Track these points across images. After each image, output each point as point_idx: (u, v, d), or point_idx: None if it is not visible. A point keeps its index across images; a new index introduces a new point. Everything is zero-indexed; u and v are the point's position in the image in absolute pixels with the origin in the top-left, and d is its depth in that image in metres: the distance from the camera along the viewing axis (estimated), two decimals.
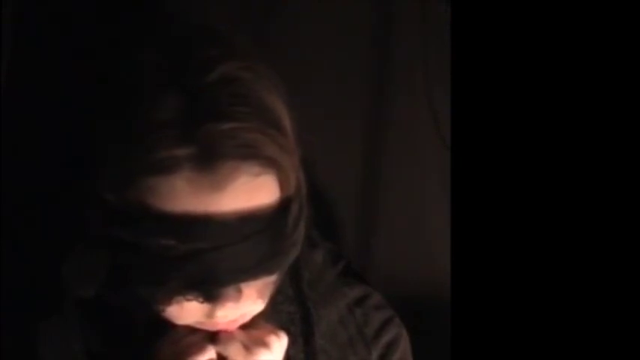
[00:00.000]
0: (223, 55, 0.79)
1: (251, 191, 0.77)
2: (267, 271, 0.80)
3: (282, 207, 0.80)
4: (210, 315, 0.80)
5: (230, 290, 0.78)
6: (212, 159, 0.75)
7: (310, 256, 0.92)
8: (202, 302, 0.79)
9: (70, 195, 0.85)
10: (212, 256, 0.76)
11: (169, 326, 0.83)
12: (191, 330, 0.83)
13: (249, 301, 0.82)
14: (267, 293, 0.84)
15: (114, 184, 0.77)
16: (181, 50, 0.80)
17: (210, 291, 0.78)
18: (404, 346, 0.97)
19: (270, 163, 0.78)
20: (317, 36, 1.11)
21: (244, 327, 0.84)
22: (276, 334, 0.84)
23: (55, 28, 1.05)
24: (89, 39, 1.03)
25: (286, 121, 0.80)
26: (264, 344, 0.83)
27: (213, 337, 0.83)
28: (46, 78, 1.04)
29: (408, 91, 1.14)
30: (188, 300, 0.79)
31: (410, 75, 1.13)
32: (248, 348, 0.83)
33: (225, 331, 0.83)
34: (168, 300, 0.79)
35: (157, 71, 0.78)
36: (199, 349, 0.82)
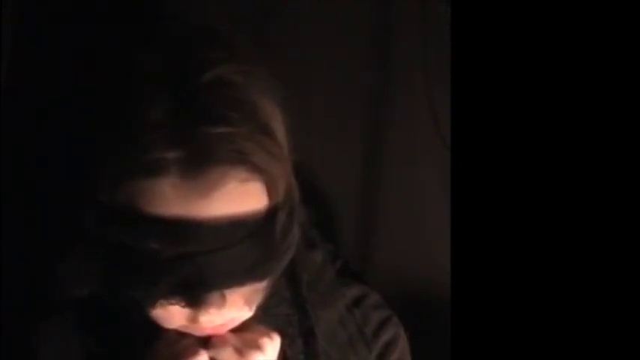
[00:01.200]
0: (220, 58, 0.78)
1: (239, 197, 0.77)
2: (255, 278, 0.80)
3: (270, 214, 0.79)
4: (193, 320, 0.80)
5: (213, 296, 0.77)
6: (201, 163, 0.75)
7: (309, 257, 0.92)
8: (184, 307, 0.78)
9: (69, 195, 0.85)
10: (198, 260, 0.76)
11: (162, 329, 0.83)
12: (185, 333, 0.83)
13: (234, 308, 0.81)
14: (255, 300, 0.83)
15: (106, 185, 0.77)
16: (178, 51, 0.79)
17: (193, 296, 0.77)
18: (402, 346, 0.97)
19: (257, 170, 0.77)
20: (317, 36, 1.11)
21: (236, 330, 0.84)
22: (268, 336, 0.84)
23: (54, 28, 1.05)
24: (89, 39, 1.03)
25: (279, 127, 0.80)
26: (257, 347, 0.82)
27: (206, 341, 0.83)
28: (46, 78, 1.04)
29: (408, 91, 1.14)
30: (171, 304, 0.78)
31: (410, 75, 1.13)
32: (241, 351, 0.82)
33: (218, 335, 0.83)
34: (153, 303, 0.79)
35: (152, 72, 0.78)
36: (192, 352, 0.82)
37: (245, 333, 0.84)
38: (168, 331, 0.83)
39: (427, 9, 1.12)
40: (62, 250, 0.84)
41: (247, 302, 0.82)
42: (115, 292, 0.79)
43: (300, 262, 0.88)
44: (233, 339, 0.83)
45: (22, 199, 1.04)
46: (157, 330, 0.83)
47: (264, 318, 0.86)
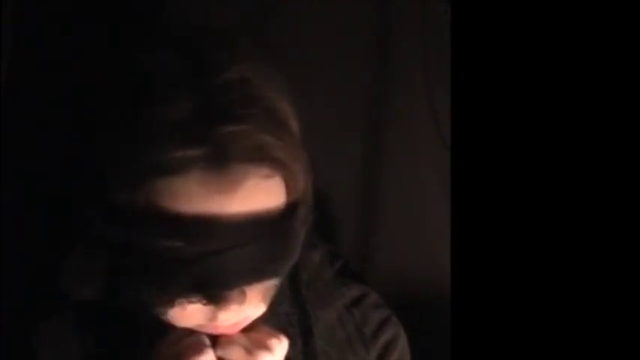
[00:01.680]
0: (235, 57, 0.79)
1: (260, 193, 0.77)
2: (273, 274, 0.80)
3: (290, 209, 0.80)
4: (213, 318, 0.80)
5: (234, 293, 0.78)
6: (223, 161, 0.75)
7: (308, 256, 0.92)
8: (206, 304, 0.79)
9: (70, 195, 0.85)
10: (219, 258, 0.76)
11: (169, 328, 0.83)
12: (190, 331, 0.83)
13: (252, 304, 0.82)
14: (269, 296, 0.83)
15: (125, 185, 0.77)
16: (194, 52, 0.79)
17: (215, 293, 0.77)
18: (402, 346, 0.97)
19: (279, 165, 0.78)
20: (317, 36, 1.11)
21: (244, 330, 0.84)
22: (277, 337, 0.84)
23: (55, 28, 1.05)
24: (90, 39, 1.03)
25: (294, 123, 0.80)
26: (266, 347, 0.83)
27: (213, 340, 0.83)
28: (47, 78, 1.04)
29: (408, 91, 1.14)
30: (191, 302, 0.78)
31: (410, 75, 1.13)
32: (250, 351, 0.82)
33: (226, 335, 0.83)
34: (171, 302, 0.79)
35: (170, 72, 0.78)
36: (199, 350, 0.82)
37: (253, 333, 0.84)
38: (174, 330, 0.83)
39: (427, 9, 1.12)
40: (63, 250, 0.84)
41: (263, 298, 0.83)
42: (120, 293, 0.79)
43: (299, 262, 0.88)
44: (241, 339, 0.83)
45: (23, 199, 1.04)
46: (161, 329, 0.83)
47: (269, 316, 0.86)
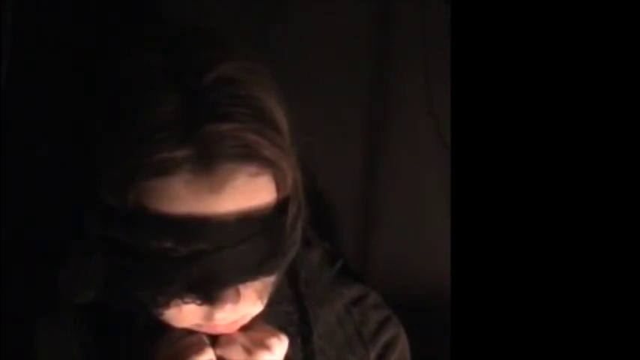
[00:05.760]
0: (222, 56, 0.79)
1: (250, 192, 0.77)
2: (267, 272, 0.80)
3: (281, 207, 0.80)
4: (209, 317, 0.80)
5: (229, 292, 0.78)
6: (211, 160, 0.75)
7: (306, 255, 0.92)
8: (201, 304, 0.79)
9: (71, 196, 0.85)
10: (212, 257, 0.76)
11: (168, 328, 0.83)
12: (189, 331, 0.83)
13: (249, 303, 0.82)
14: (266, 294, 0.84)
15: (113, 186, 0.77)
16: (180, 51, 0.80)
17: (209, 293, 0.78)
18: (402, 346, 0.97)
19: (268, 163, 0.78)
20: (317, 36, 1.11)
21: (244, 329, 0.84)
22: (277, 336, 0.84)
23: (55, 28, 1.05)
24: (89, 39, 1.03)
25: (283, 122, 0.80)
26: (266, 346, 0.83)
27: (213, 339, 0.83)
28: (46, 78, 1.04)
29: (408, 91, 1.14)
30: (186, 303, 0.78)
31: (410, 75, 1.13)
32: (249, 350, 0.83)
33: (226, 334, 0.83)
34: (167, 303, 0.79)
35: (157, 72, 0.78)
36: (198, 350, 0.82)
37: (253, 332, 0.84)
38: (173, 329, 0.83)
39: (427, 9, 1.11)
40: (63, 250, 0.84)
41: (260, 296, 0.83)
42: (123, 295, 0.79)
43: (298, 260, 0.88)
44: (241, 338, 0.83)
45: (23, 199, 1.04)
46: (160, 330, 0.83)
47: (269, 314, 0.86)
